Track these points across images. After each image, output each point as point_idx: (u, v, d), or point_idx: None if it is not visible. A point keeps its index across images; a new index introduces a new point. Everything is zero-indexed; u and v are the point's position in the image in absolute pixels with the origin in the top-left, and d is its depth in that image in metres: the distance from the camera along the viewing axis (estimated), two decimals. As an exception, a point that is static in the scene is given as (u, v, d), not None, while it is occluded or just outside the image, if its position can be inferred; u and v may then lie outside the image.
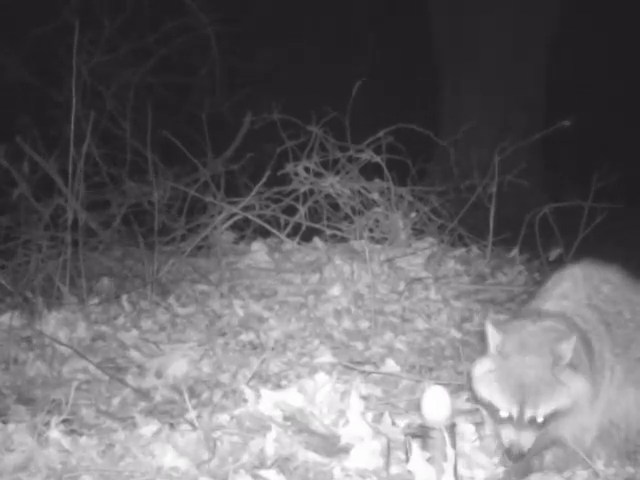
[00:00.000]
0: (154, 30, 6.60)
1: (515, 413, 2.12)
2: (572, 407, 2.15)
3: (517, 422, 2.12)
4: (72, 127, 3.82)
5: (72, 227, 3.90)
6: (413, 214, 4.69)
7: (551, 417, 2.13)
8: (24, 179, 4.29)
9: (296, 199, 4.68)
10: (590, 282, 2.37)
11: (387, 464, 2.25)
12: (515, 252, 4.57)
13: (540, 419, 2.12)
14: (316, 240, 4.55)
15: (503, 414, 2.14)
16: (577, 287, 2.36)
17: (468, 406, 2.65)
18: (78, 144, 3.96)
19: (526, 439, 2.11)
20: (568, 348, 2.13)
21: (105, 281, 4.09)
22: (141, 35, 6.59)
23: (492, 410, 2.17)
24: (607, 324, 2.31)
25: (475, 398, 2.27)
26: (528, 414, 2.11)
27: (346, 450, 2.30)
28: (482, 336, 2.30)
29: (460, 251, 4.60)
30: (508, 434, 2.12)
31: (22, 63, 6.65)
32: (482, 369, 2.20)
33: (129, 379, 3.01)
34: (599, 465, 2.31)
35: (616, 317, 2.32)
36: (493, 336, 2.19)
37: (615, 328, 2.31)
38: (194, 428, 2.40)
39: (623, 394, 2.29)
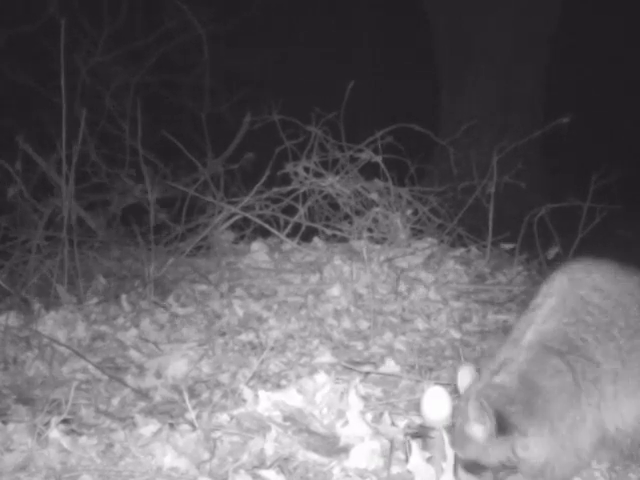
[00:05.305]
0: (152, 30, 6.60)
1: None
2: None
3: None
4: (63, 125, 3.80)
5: (68, 226, 3.89)
6: (411, 213, 4.68)
7: None
8: (20, 178, 4.27)
9: (296, 199, 4.68)
10: (578, 293, 2.26)
11: (388, 464, 2.25)
12: (514, 250, 4.56)
13: None
14: (316, 240, 4.55)
15: None
16: (564, 303, 2.24)
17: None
18: (75, 144, 3.95)
19: None
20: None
21: (104, 281, 4.09)
22: (138, 35, 6.59)
23: None
24: (596, 339, 2.20)
25: None
26: None
27: (346, 450, 2.30)
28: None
29: (459, 251, 4.60)
30: None
31: (17, 63, 6.64)
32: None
33: (128, 379, 3.00)
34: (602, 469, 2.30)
35: (608, 328, 2.22)
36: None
37: (607, 341, 2.20)
38: (194, 428, 2.40)
39: (630, 402, 2.21)
